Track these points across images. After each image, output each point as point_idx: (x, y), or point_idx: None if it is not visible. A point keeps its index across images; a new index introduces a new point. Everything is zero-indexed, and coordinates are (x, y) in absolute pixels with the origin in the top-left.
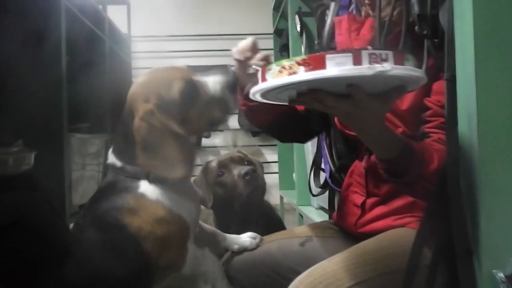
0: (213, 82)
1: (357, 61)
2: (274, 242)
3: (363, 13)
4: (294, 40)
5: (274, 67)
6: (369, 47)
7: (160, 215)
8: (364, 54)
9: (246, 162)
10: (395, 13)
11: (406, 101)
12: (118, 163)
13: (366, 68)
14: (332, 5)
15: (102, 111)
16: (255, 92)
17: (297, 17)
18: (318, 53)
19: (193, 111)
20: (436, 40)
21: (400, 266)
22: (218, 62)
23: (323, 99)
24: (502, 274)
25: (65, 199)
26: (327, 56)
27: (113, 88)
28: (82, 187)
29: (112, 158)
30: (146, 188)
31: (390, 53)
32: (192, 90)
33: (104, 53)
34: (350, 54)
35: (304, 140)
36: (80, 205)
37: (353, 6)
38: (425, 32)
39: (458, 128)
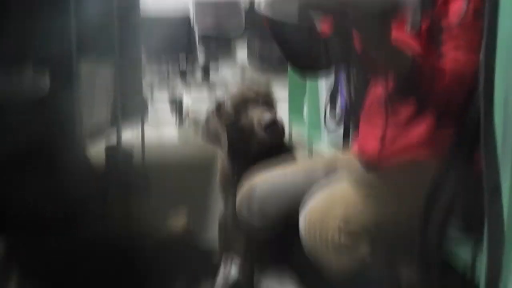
0: None
1: None
2: (299, 171)
3: None
4: None
5: None
6: None
7: None
8: None
9: (261, 102)
10: None
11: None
12: None
13: None
14: None
15: (109, 40)
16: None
17: None
18: None
19: None
20: None
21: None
22: None
23: None
24: None
25: (76, 125)
26: None
27: (120, 17)
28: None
29: None
30: None
31: None
32: None
33: None
34: None
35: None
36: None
37: None
38: None
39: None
